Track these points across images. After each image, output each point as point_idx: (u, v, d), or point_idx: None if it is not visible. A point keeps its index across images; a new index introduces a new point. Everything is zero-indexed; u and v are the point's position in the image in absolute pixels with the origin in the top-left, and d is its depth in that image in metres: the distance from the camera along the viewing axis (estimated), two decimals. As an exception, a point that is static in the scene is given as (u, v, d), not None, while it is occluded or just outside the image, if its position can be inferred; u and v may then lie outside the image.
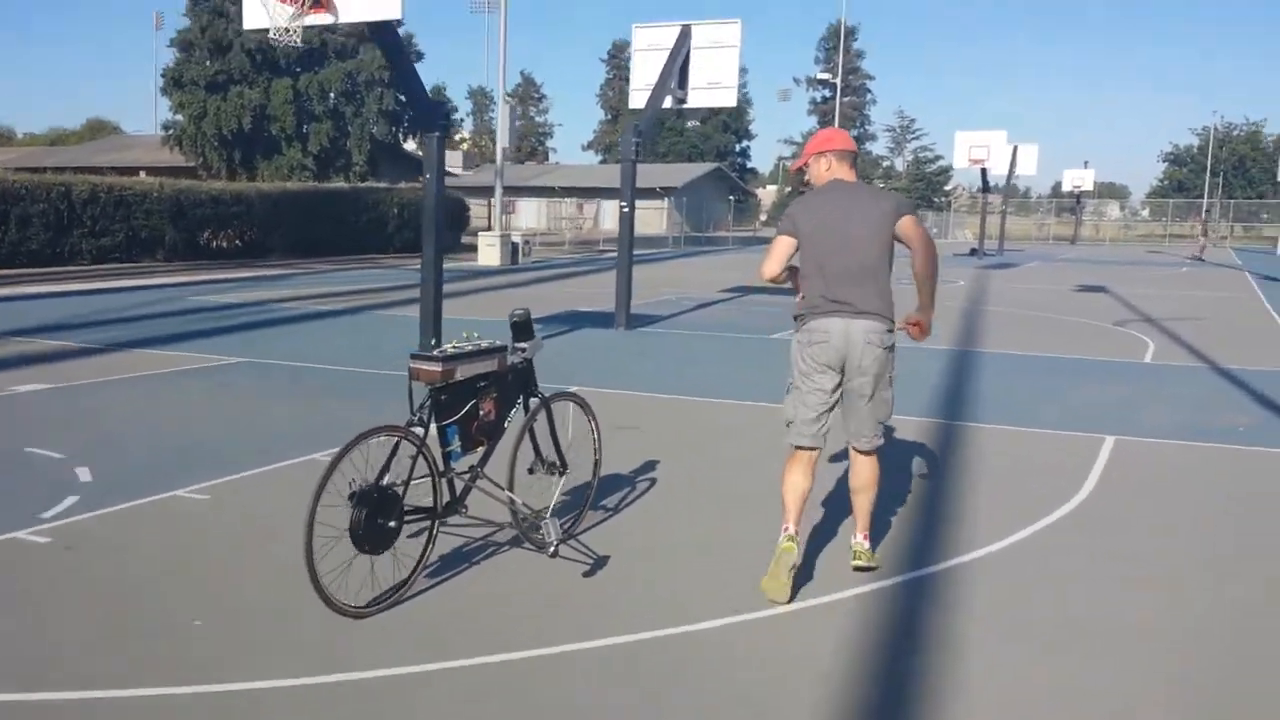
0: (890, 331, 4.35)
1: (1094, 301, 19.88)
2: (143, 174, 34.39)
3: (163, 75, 41.87)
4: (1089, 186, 62.04)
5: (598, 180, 58.12)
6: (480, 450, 4.50)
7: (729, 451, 7.09)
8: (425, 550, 4.27)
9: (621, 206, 13.68)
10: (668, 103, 14.44)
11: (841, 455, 5.21)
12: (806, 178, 4.64)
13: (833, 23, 65.94)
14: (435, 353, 4.21)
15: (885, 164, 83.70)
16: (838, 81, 52.11)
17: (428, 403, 4.23)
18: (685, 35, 14.07)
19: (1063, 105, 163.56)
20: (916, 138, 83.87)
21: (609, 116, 80.00)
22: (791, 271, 4.54)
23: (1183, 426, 8.11)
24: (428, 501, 4.26)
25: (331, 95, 41.29)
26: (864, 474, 4.52)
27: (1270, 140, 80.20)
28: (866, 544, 4.57)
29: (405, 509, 4.09)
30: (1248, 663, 3.84)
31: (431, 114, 9.74)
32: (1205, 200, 68.86)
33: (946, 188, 79.19)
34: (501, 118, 29.64)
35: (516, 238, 29.82)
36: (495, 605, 4.19)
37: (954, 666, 3.70)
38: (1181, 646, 3.97)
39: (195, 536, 4.95)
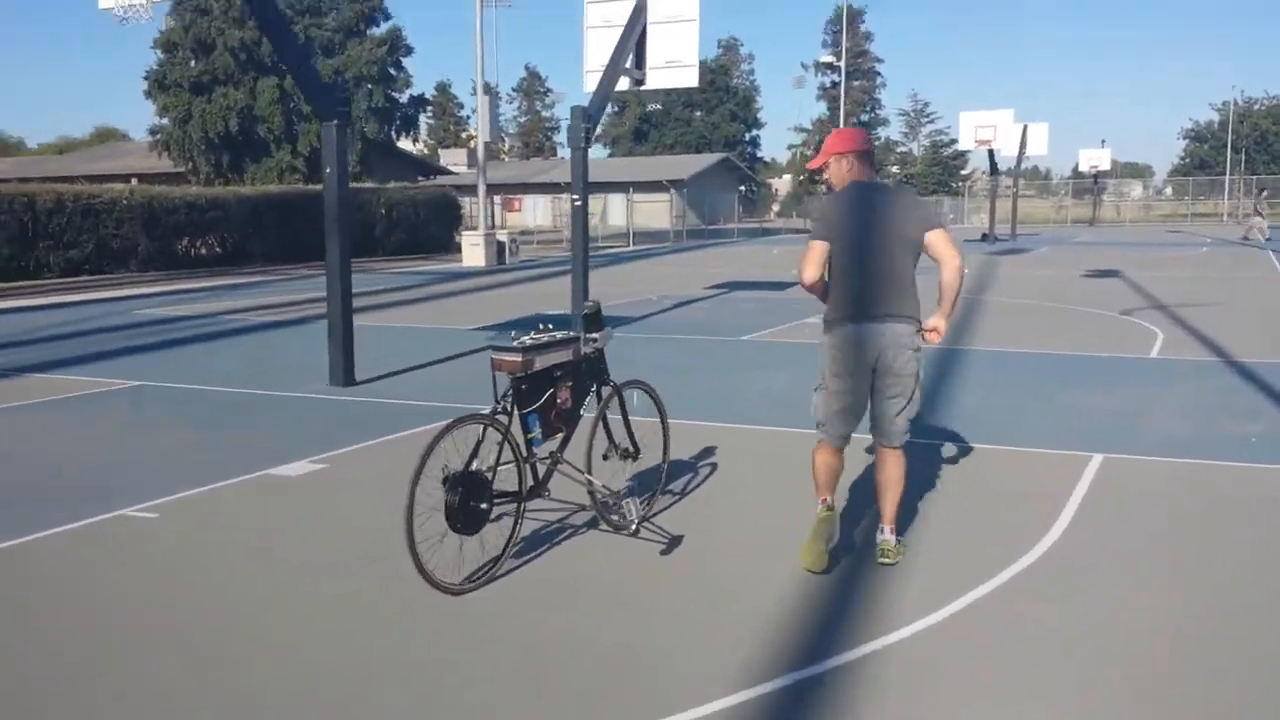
0: (918, 333, 4.46)
1: (1103, 288, 18.52)
2: (134, 181, 33.54)
3: (145, 77, 40.92)
4: (1106, 166, 60.16)
5: (606, 174, 56.82)
6: (559, 436, 4.71)
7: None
8: (514, 531, 4.50)
9: (573, 200, 12.53)
10: (624, 84, 13.32)
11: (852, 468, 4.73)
12: (825, 176, 4.74)
13: (839, 5, 64.31)
14: (515, 344, 4.40)
15: (901, 149, 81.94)
16: (842, 65, 50.69)
17: (510, 392, 4.44)
18: (640, 10, 12.90)
19: (1078, 83, 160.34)
20: (931, 121, 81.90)
21: (616, 109, 78.43)
22: None
23: (1185, 439, 6.93)
24: (512, 486, 4.45)
25: (320, 94, 40.41)
26: (893, 471, 4.58)
27: (1292, 114, 78.12)
28: (893, 538, 4.57)
29: (495, 493, 4.28)
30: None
31: (327, 101, 8.63)
32: (1228, 177, 66.91)
33: (964, 172, 77.23)
34: (481, 111, 28.64)
35: (503, 236, 28.76)
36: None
37: None
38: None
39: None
